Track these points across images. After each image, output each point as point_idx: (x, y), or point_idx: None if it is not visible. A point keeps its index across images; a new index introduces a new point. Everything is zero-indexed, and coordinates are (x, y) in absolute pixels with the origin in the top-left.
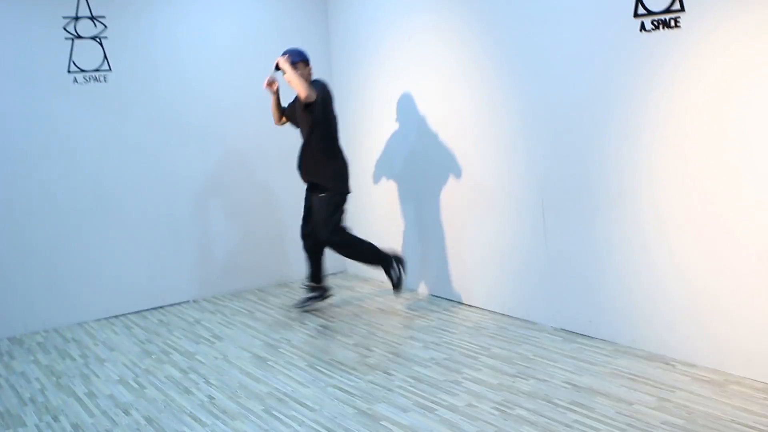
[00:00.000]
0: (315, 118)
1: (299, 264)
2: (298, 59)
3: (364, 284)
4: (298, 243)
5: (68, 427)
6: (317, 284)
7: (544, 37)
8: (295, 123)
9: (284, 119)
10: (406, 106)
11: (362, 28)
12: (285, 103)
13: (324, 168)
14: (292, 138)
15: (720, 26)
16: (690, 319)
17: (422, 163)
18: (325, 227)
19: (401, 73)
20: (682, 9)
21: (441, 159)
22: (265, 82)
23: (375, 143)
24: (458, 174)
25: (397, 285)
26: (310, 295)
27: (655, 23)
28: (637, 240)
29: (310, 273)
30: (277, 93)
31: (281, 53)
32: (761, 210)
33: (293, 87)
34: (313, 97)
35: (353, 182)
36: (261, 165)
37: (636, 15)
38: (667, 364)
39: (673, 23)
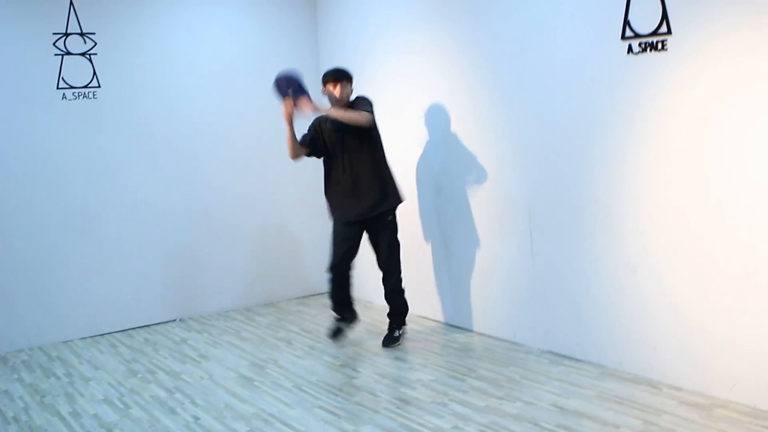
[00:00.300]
0: (375, 140)
1: (286, 284)
2: (343, 78)
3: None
4: (286, 264)
5: None
6: (350, 311)
7: (533, 57)
8: (322, 153)
9: (305, 151)
10: (390, 124)
11: (350, 44)
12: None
13: (394, 189)
14: (279, 159)
15: (706, 49)
16: (676, 342)
17: (406, 181)
18: (398, 263)
19: (387, 90)
20: (669, 32)
21: (426, 177)
22: (302, 108)
23: None
24: (444, 193)
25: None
26: (340, 324)
27: (643, 46)
28: (624, 262)
29: (344, 300)
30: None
31: (284, 77)
32: (746, 234)
33: (343, 119)
34: (372, 118)
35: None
36: (250, 185)
37: (624, 37)
38: (654, 387)
39: (660, 46)
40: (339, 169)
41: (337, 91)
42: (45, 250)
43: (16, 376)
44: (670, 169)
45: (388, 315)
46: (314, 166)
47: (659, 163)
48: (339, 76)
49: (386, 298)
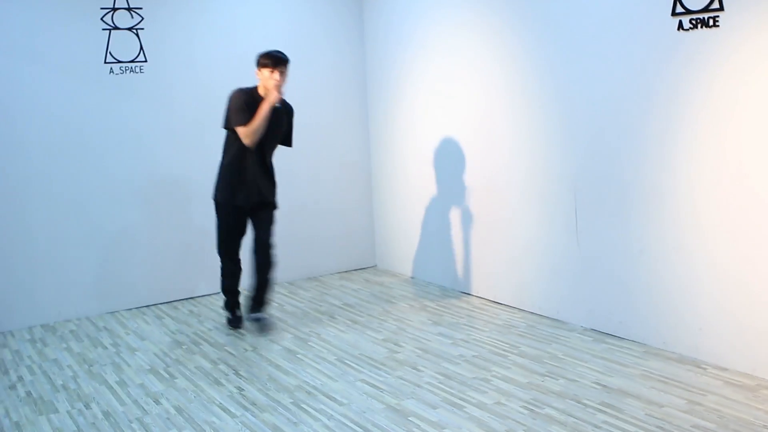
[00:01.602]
0: (286, 133)
1: (329, 258)
2: (287, 64)
3: (394, 279)
4: (329, 237)
5: (99, 415)
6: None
7: (582, 34)
8: (258, 136)
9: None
10: (441, 105)
11: (396, 25)
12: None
13: (274, 185)
14: (325, 136)
15: (760, 26)
16: (723, 322)
17: (456, 161)
18: (272, 239)
19: (436, 70)
20: (722, 8)
21: (475, 157)
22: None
23: (409, 142)
24: (492, 172)
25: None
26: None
27: (694, 22)
28: (671, 240)
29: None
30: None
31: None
32: None
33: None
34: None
35: (385, 180)
36: (295, 160)
37: (674, 13)
38: (699, 367)
39: (711, 22)
40: (251, 155)
41: (283, 78)
42: (90, 223)
43: (64, 345)
44: (724, 147)
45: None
46: (361, 145)
47: (712, 141)
48: (284, 62)
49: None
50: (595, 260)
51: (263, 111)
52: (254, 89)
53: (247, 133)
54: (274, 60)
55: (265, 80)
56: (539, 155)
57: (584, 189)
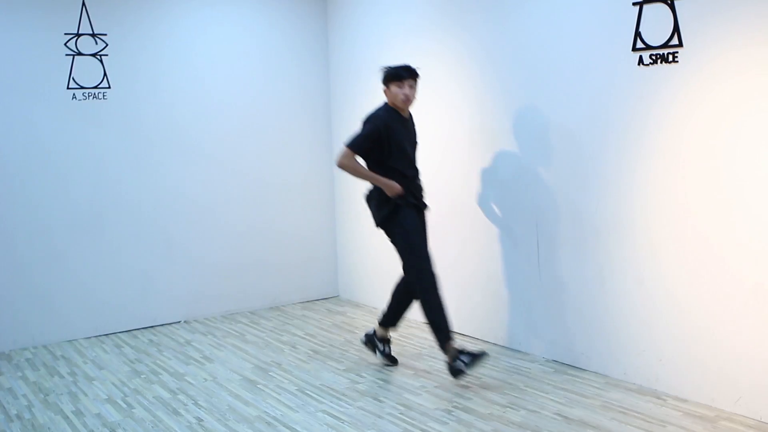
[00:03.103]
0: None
1: (291, 287)
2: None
3: (357, 310)
4: (291, 266)
5: None
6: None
7: (544, 65)
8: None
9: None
10: None
11: (361, 43)
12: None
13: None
14: (287, 162)
15: (716, 62)
16: (682, 353)
17: None
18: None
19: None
20: (681, 44)
21: (434, 184)
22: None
23: None
24: (452, 201)
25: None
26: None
27: (654, 57)
28: (631, 272)
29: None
30: None
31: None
32: (755, 245)
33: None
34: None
35: (348, 205)
36: (258, 186)
37: (634, 49)
38: (659, 398)
39: (671, 58)
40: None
41: (413, 92)
42: (49, 249)
43: (20, 374)
44: (680, 181)
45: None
46: (324, 171)
47: (669, 175)
48: (416, 75)
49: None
50: (557, 292)
51: (375, 179)
52: (388, 109)
53: (346, 158)
54: (410, 71)
55: (394, 96)
56: (500, 185)
57: (546, 220)
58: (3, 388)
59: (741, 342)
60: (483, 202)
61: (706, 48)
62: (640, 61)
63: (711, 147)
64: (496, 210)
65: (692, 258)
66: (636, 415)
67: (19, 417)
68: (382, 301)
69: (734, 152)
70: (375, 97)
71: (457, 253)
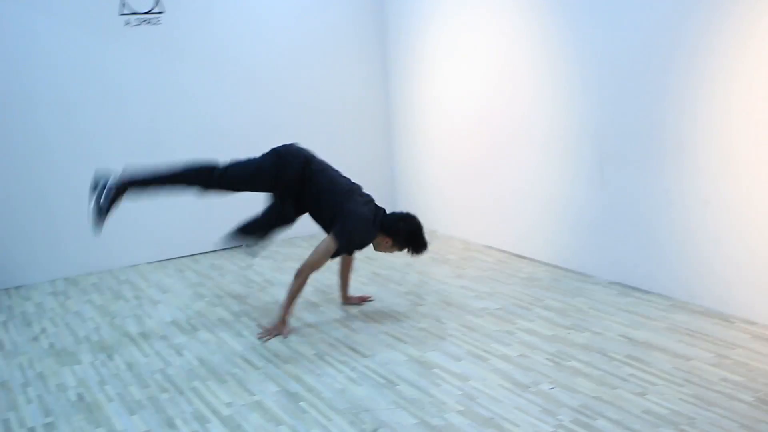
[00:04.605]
0: None
1: None
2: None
3: None
4: None
5: (122, 366)
6: None
7: None
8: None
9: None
10: (463, 55)
11: None
12: None
13: None
14: (340, 90)
15: None
16: (751, 275)
17: (477, 114)
18: None
19: (457, 19)
20: None
21: (498, 110)
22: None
23: (430, 94)
24: (515, 124)
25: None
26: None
27: None
28: (698, 193)
29: None
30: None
31: None
32: None
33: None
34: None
35: (406, 131)
36: (310, 115)
37: None
38: (726, 320)
39: None
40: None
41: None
42: None
43: (86, 298)
44: (751, 99)
45: None
46: (380, 97)
47: (738, 92)
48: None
49: None
50: (621, 213)
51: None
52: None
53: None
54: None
55: (384, 247)
56: (563, 106)
57: (609, 140)
58: (71, 311)
59: None
60: (545, 122)
61: None
62: None
63: None
64: (559, 130)
65: (757, 180)
66: (703, 337)
67: (87, 339)
68: (440, 223)
69: None
70: (431, 24)
71: (518, 174)
